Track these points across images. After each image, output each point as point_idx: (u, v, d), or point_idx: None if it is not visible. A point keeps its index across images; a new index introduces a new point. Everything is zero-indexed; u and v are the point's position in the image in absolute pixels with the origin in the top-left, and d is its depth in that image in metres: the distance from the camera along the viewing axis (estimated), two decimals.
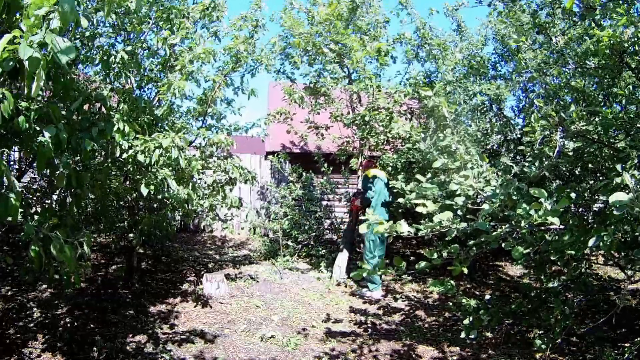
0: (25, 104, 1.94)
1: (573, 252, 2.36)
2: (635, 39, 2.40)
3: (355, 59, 4.95)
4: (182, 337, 3.81)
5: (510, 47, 5.71)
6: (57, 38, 1.58)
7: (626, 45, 2.47)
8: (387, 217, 5.26)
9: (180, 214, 4.55)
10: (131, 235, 4.60)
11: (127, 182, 4.07)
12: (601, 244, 2.00)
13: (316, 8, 5.42)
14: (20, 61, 1.55)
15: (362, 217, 4.69)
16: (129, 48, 3.57)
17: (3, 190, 1.77)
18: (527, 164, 3.00)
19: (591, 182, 3.72)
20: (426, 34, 5.80)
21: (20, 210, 1.82)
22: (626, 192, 1.75)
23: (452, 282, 2.69)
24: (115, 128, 2.53)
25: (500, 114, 6.35)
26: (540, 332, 3.42)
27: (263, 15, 4.85)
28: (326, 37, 5.26)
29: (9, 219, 1.75)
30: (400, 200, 4.13)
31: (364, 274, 2.57)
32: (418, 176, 3.17)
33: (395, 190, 4.97)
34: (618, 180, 1.92)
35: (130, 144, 2.99)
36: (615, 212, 1.74)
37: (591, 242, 2.02)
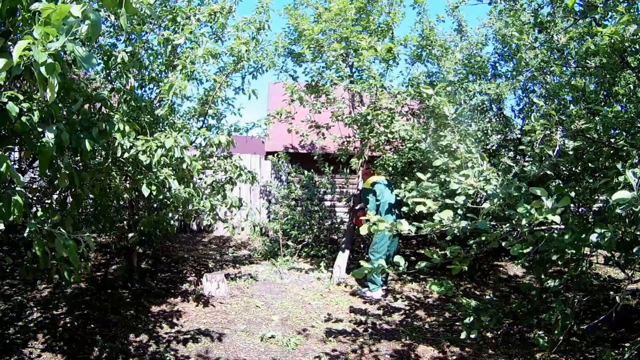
0: (28, 104, 1.94)
1: (574, 251, 2.36)
2: (636, 37, 2.40)
3: (363, 57, 4.92)
4: (182, 337, 3.81)
5: (511, 46, 5.73)
6: (77, 47, 1.60)
7: (627, 44, 2.47)
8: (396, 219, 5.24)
9: (181, 213, 4.55)
10: (131, 235, 4.60)
11: (128, 182, 4.07)
12: (603, 241, 2.00)
13: (326, 4, 5.41)
14: (27, 65, 1.57)
15: (362, 218, 4.70)
16: (129, 48, 3.57)
17: (5, 190, 1.78)
18: (527, 163, 3.00)
19: (590, 181, 3.72)
20: (431, 35, 5.79)
21: (22, 208, 1.82)
22: (628, 190, 1.75)
23: (451, 282, 2.69)
24: (116, 128, 2.53)
25: (500, 114, 6.36)
26: (541, 332, 3.42)
27: (267, 16, 4.85)
28: (330, 35, 5.25)
29: (11, 218, 1.75)
30: (404, 209, 4.13)
31: (365, 272, 2.56)
32: (419, 174, 3.17)
33: (398, 199, 4.94)
34: (621, 178, 1.92)
35: (131, 144, 2.99)
36: (617, 210, 1.74)
37: (593, 237, 2.02)
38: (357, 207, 5.85)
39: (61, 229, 1.91)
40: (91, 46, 3.85)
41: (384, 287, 5.42)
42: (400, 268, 2.50)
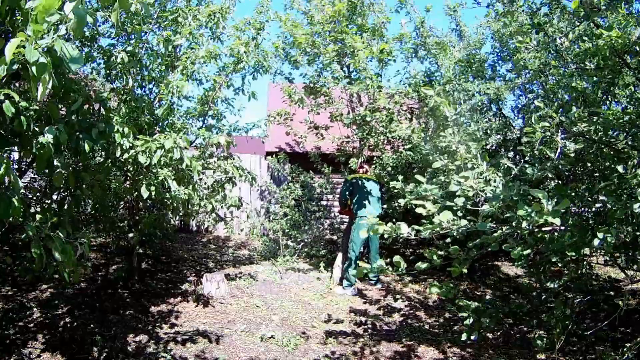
0: (25, 104, 1.94)
1: (573, 254, 2.36)
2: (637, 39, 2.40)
3: (358, 58, 4.90)
4: (182, 337, 3.81)
5: (510, 48, 5.72)
6: (66, 45, 1.59)
7: (632, 47, 2.46)
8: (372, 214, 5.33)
9: (181, 213, 4.55)
10: (131, 235, 4.60)
11: (127, 183, 4.07)
12: (605, 244, 2.01)
13: (316, 10, 5.40)
14: (23, 63, 1.56)
15: (362, 222, 4.71)
16: (129, 48, 3.57)
17: (4, 191, 1.77)
18: (527, 165, 3.00)
19: (590, 182, 3.71)
20: (425, 32, 5.78)
21: (20, 209, 1.82)
22: None
23: (452, 284, 2.69)
24: (115, 129, 2.53)
25: (499, 114, 6.36)
26: (541, 333, 3.42)
27: (268, 16, 4.86)
28: (325, 36, 5.23)
29: (10, 219, 1.75)
30: (401, 200, 4.12)
31: (364, 272, 2.57)
32: (418, 177, 3.17)
33: (395, 191, 4.97)
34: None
35: (131, 144, 2.99)
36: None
37: (596, 243, 2.03)
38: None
39: (59, 232, 1.91)
40: (90, 46, 3.85)
41: (380, 287, 5.54)
42: (399, 269, 2.50)
